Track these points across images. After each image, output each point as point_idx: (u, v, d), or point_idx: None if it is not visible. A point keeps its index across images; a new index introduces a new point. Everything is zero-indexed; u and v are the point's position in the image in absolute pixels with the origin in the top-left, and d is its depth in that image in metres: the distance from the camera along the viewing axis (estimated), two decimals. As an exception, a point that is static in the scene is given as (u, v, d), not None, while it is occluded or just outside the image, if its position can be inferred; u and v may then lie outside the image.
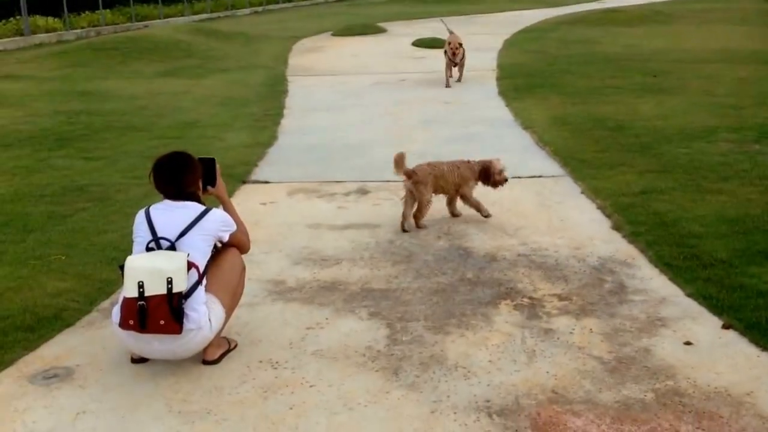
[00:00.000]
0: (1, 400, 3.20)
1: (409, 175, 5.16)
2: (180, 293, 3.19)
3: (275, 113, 9.51)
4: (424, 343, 3.62)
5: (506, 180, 5.34)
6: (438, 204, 5.43)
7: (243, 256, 3.69)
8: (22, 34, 17.84)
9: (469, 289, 4.20)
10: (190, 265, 3.26)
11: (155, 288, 3.16)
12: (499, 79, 11.57)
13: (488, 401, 3.11)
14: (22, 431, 2.99)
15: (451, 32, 11.39)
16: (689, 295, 4.01)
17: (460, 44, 10.79)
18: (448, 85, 10.89)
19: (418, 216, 5.22)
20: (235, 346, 3.60)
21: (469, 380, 3.27)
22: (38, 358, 3.55)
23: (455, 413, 3.04)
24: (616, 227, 5.07)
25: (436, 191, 5.28)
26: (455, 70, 11.32)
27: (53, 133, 8.44)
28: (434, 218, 5.38)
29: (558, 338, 3.61)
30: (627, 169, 6.35)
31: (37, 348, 3.63)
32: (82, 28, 19.81)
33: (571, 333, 3.66)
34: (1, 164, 7.14)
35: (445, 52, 11.11)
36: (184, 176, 3.50)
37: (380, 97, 10.52)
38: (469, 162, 5.37)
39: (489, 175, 5.31)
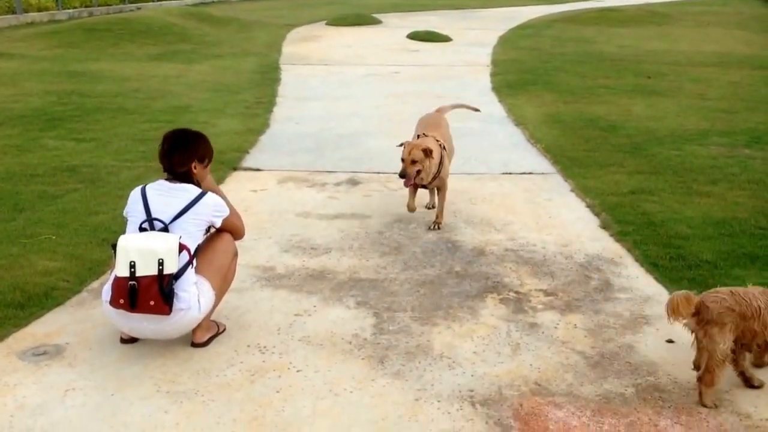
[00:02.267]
0: (-9, 376, 3.23)
1: (698, 309, 3.08)
2: (170, 275, 3.22)
3: (268, 101, 9.50)
4: (411, 333, 3.66)
5: None
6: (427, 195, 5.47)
7: (236, 242, 3.72)
8: (14, 13, 17.67)
9: (456, 282, 4.25)
10: (182, 247, 3.29)
11: (146, 268, 3.19)
12: (492, 75, 11.60)
13: (472, 391, 3.17)
14: (12, 405, 3.02)
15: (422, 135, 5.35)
16: (673, 295, 4.08)
17: (426, 150, 4.91)
18: (410, 209, 5.21)
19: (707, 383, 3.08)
20: (224, 329, 3.64)
21: (453, 370, 3.33)
22: (28, 335, 3.57)
23: (439, 401, 3.09)
24: (604, 226, 5.13)
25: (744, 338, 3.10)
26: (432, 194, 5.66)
27: (44, 113, 8.40)
28: (424, 210, 5.42)
29: (542, 332, 3.67)
30: (617, 169, 6.42)
31: (27, 325, 3.66)
32: (75, 8, 19.65)
33: (555, 328, 3.72)
34: (-10, 143, 7.11)
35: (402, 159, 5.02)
36: (186, 152, 3.52)
37: (373, 88, 10.53)
38: None
39: None
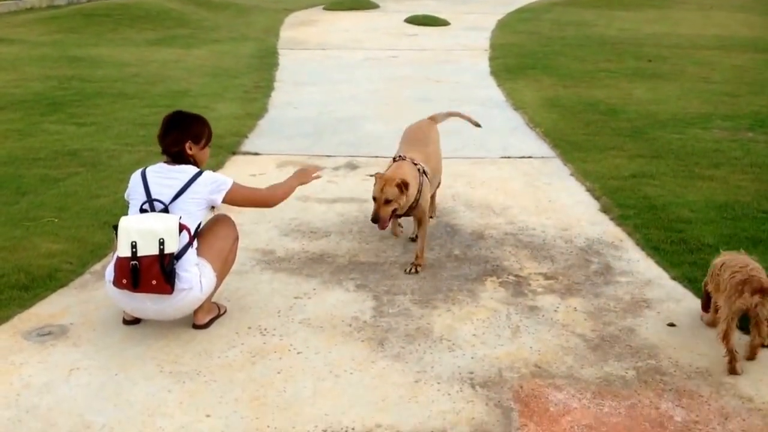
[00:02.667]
0: (-3, 355, 3.27)
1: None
2: (171, 254, 3.25)
3: (266, 85, 9.48)
4: (411, 316, 3.69)
5: None
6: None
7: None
8: (13, -2, 17.58)
9: (455, 266, 4.27)
10: (182, 228, 3.32)
11: (147, 248, 3.22)
12: (491, 59, 11.56)
13: (472, 373, 3.20)
14: (18, 384, 3.05)
15: (399, 157, 4.46)
16: (674, 278, 4.10)
17: (401, 185, 4.09)
18: (396, 234, 4.77)
19: None
20: (225, 311, 3.66)
21: (453, 352, 3.36)
22: (33, 316, 3.61)
23: (439, 383, 3.12)
24: (605, 210, 5.15)
25: None
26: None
27: (45, 97, 8.39)
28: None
29: (542, 315, 3.70)
30: (618, 153, 6.42)
31: (32, 306, 3.70)
32: (73, -7, 19.53)
33: (555, 311, 3.74)
34: (-8, 127, 7.11)
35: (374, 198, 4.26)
36: (180, 132, 3.55)
37: (372, 73, 10.50)
38: None
39: None
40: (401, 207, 4.09)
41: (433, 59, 11.43)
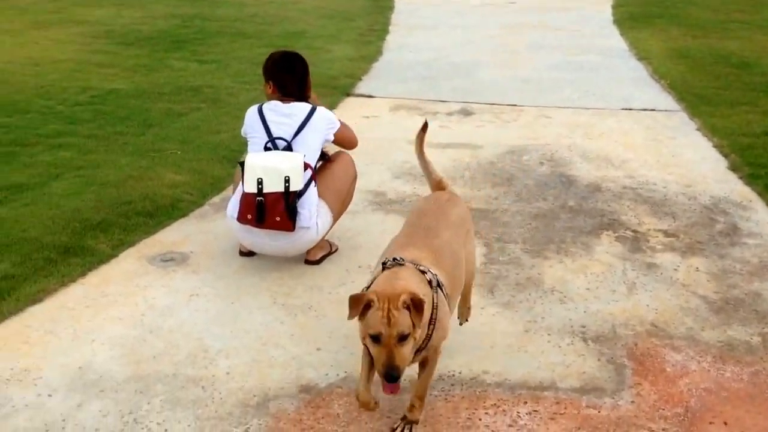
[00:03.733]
0: (125, 276, 3.46)
1: None
2: (295, 192, 3.31)
3: (380, 29, 9.44)
4: (521, 264, 3.63)
5: None
6: (549, 129, 5.31)
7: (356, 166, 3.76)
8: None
9: (569, 217, 4.16)
10: (305, 166, 3.36)
11: (273, 186, 3.29)
12: (615, 6, 11.03)
13: (584, 327, 3.12)
14: (143, 305, 3.22)
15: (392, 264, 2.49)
16: (807, 243, 3.85)
17: (416, 306, 2.22)
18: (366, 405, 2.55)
19: None
20: (336, 249, 3.71)
21: (565, 305, 3.28)
22: (157, 242, 3.78)
23: (549, 334, 3.06)
24: (733, 168, 4.85)
25: None
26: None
27: (169, 35, 8.72)
28: (537, 143, 5.29)
29: (661, 273, 3.55)
30: (750, 108, 6.01)
31: (156, 233, 3.87)
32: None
33: (675, 270, 3.58)
34: (123, 61, 7.48)
35: (376, 337, 2.25)
36: (307, 74, 3.61)
37: (488, 19, 10.26)
38: None
39: None
40: (416, 342, 2.30)
41: (552, 6, 11.01)
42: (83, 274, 3.44)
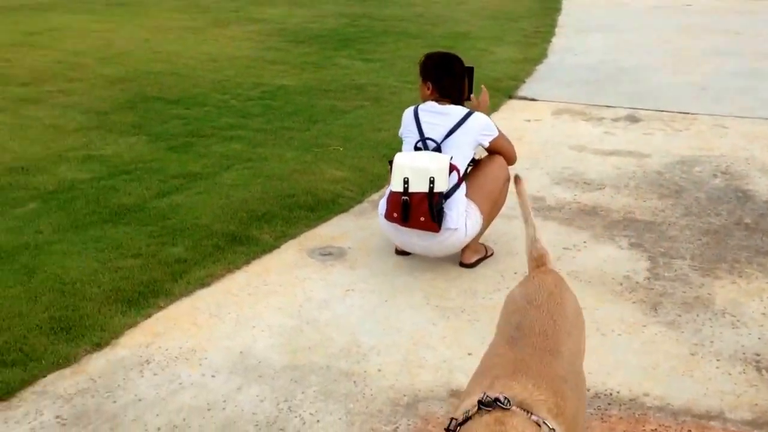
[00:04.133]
0: (286, 267, 3.59)
1: None
2: (440, 193, 3.30)
3: (546, 31, 9.26)
4: (689, 282, 3.41)
5: None
6: (725, 139, 4.97)
7: (509, 168, 3.69)
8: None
9: (745, 235, 3.86)
10: (452, 168, 3.34)
11: (419, 185, 3.30)
12: (807, 8, 10.17)
13: (758, 355, 2.87)
14: (301, 297, 3.33)
15: None
16: None
17: None
18: None
19: None
20: (492, 254, 3.66)
21: (737, 329, 3.04)
22: (317, 236, 3.90)
23: (718, 360, 2.85)
24: None
25: None
26: None
27: (338, 33, 9.03)
28: (711, 154, 4.96)
29: None
30: None
31: (316, 227, 4.00)
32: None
33: None
34: (293, 59, 7.83)
35: None
36: (464, 77, 3.59)
37: (661, 22, 9.79)
38: None
39: None
40: None
41: (732, 8, 10.31)
42: (247, 262, 3.60)
